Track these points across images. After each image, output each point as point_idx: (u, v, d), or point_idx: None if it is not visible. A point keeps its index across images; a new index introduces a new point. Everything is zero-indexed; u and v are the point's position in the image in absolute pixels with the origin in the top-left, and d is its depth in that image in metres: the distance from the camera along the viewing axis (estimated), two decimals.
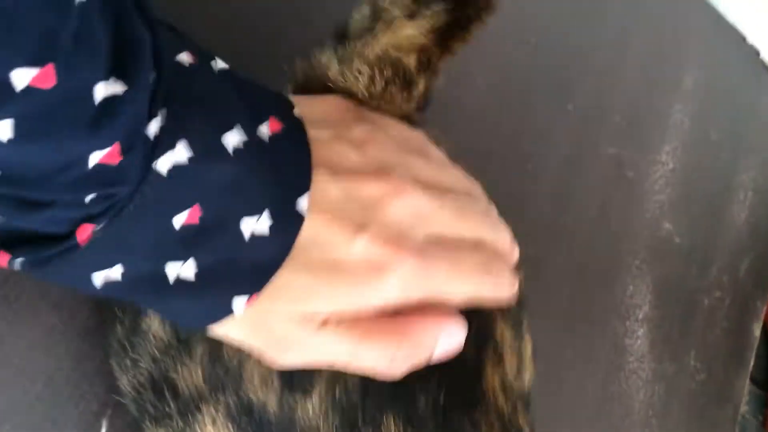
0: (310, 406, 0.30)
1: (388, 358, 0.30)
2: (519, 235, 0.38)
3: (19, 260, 0.25)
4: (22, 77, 0.20)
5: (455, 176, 0.34)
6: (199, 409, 0.32)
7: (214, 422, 0.32)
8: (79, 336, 0.38)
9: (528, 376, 0.38)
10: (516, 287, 0.34)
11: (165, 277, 0.26)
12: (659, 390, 0.69)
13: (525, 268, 0.38)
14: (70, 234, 0.24)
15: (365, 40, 0.34)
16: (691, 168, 0.71)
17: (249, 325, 0.29)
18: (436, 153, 0.34)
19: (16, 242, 0.24)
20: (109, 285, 0.26)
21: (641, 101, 0.68)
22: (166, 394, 0.33)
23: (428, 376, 0.31)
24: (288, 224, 0.28)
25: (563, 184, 0.62)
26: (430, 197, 0.31)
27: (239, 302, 0.28)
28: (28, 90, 0.20)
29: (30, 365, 0.37)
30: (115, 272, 0.26)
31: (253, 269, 0.27)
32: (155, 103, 0.23)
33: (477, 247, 0.33)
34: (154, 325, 0.34)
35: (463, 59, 0.56)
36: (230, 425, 0.32)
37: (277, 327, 0.29)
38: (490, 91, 0.57)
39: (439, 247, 0.31)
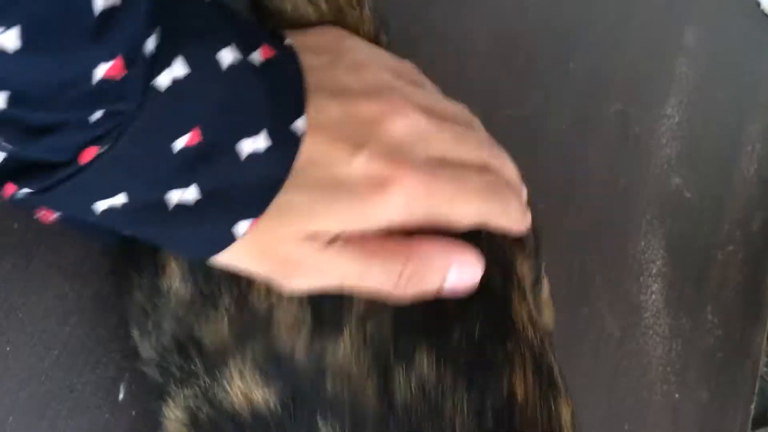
0: (340, 348, 0.31)
1: (395, 276, 0.30)
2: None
3: (23, 191, 0.25)
4: None
5: (454, 106, 0.34)
6: (225, 363, 0.33)
7: (241, 375, 0.32)
8: (93, 302, 0.39)
9: (547, 317, 0.38)
10: (528, 220, 0.34)
11: (165, 204, 0.27)
12: (676, 346, 0.69)
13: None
14: (74, 159, 0.24)
15: None
16: (698, 121, 0.71)
17: (254, 250, 0.29)
18: (431, 84, 0.35)
19: (21, 172, 0.25)
20: (109, 213, 0.26)
21: (643, 56, 0.68)
22: (192, 352, 0.34)
23: (460, 309, 0.32)
24: (286, 144, 0.28)
25: (570, 143, 0.62)
26: (429, 119, 0.31)
27: (242, 226, 0.28)
28: None
29: (45, 333, 0.38)
30: (118, 201, 0.26)
31: (254, 192, 0.28)
32: (150, 20, 0.24)
33: (482, 171, 0.33)
34: (175, 283, 0.34)
35: (462, 22, 0.56)
36: (258, 376, 0.32)
37: (282, 249, 0.29)
38: (490, 53, 0.58)
39: (441, 166, 0.31)
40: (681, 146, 0.69)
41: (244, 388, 0.32)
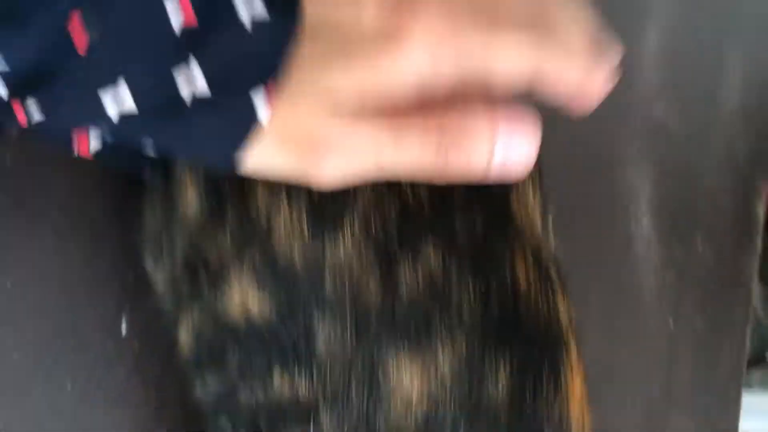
0: (341, 243, 0.31)
1: (433, 147, 0.27)
2: None
3: (31, 103, 0.25)
4: None
5: None
6: (227, 275, 0.33)
7: (240, 284, 0.33)
8: (89, 236, 0.39)
9: (552, 245, 0.39)
10: (603, 79, 0.29)
11: (177, 94, 0.26)
12: (669, 277, 0.70)
13: None
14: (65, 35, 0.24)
15: None
16: (677, 50, 0.72)
17: (278, 134, 0.27)
18: None
19: (20, 86, 0.25)
20: (124, 117, 0.26)
21: None
22: (200, 272, 0.35)
23: (463, 202, 0.32)
24: (289, 3, 0.26)
25: None
26: None
27: (260, 98, 0.26)
28: None
29: (43, 270, 0.38)
30: (123, 90, 0.26)
31: (266, 59, 0.26)
32: None
33: (531, 4, 0.28)
34: (189, 210, 0.35)
35: None
36: (255, 283, 0.32)
37: (307, 125, 0.27)
38: None
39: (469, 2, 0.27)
40: (662, 76, 0.70)
41: (241, 298, 0.33)
